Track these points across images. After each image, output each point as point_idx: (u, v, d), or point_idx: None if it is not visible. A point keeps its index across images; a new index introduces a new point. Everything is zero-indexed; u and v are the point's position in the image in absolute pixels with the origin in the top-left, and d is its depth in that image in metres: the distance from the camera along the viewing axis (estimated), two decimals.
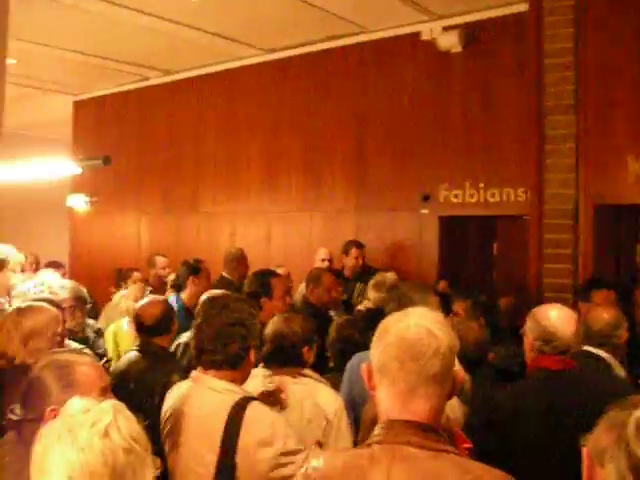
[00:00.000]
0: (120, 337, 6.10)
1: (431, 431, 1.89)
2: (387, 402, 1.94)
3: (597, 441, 1.72)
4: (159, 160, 10.48)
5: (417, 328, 1.92)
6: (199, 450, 2.91)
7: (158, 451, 2.89)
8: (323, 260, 7.91)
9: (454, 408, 2.56)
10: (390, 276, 6.28)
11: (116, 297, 7.00)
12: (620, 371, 4.05)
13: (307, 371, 3.68)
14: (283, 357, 3.63)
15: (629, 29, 6.26)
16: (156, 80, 10.51)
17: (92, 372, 2.48)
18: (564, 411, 3.20)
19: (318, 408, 3.46)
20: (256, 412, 2.86)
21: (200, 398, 2.99)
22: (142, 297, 6.33)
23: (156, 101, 10.58)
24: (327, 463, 2.00)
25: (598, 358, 4.06)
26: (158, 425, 3.26)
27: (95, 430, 1.68)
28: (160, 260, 8.05)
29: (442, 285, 6.87)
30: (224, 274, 7.35)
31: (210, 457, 2.85)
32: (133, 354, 4.43)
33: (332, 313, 6.45)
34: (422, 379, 1.88)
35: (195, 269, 6.44)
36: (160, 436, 3.11)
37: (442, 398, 1.93)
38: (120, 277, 7.99)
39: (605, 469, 1.55)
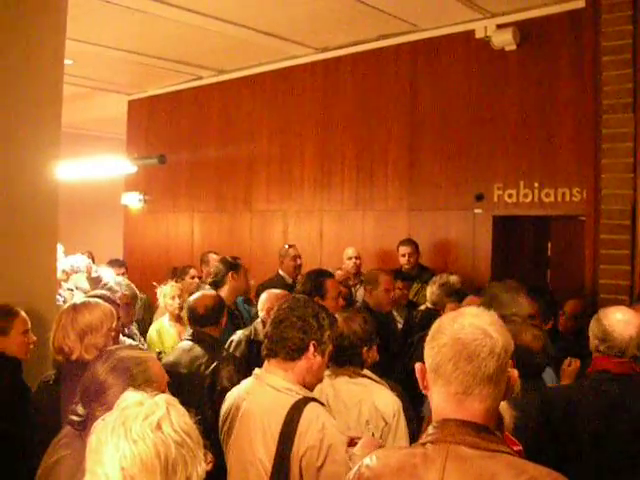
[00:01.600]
0: (163, 334, 6.21)
1: (485, 431, 1.87)
2: (441, 402, 1.92)
3: None
4: (212, 158, 10.58)
5: (472, 328, 1.89)
6: (255, 448, 2.94)
7: (209, 444, 2.96)
8: (350, 259, 7.87)
9: (502, 412, 2.52)
10: (453, 279, 6.24)
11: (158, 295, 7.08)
12: None
13: (366, 372, 3.69)
14: (342, 357, 3.63)
15: None
16: (209, 79, 10.59)
17: (159, 370, 2.54)
18: (622, 415, 3.14)
19: (376, 410, 3.47)
20: (310, 415, 2.88)
21: (260, 395, 3.03)
22: (180, 295, 6.48)
23: (209, 100, 10.66)
24: (380, 461, 1.99)
25: None
26: (209, 416, 3.33)
27: (148, 423, 1.71)
28: (213, 258, 8.12)
29: None
30: (280, 271, 7.43)
31: (266, 457, 2.89)
32: (186, 343, 4.64)
33: (395, 313, 6.51)
34: (477, 380, 1.86)
35: (234, 265, 6.46)
36: (215, 429, 3.19)
37: (497, 399, 1.91)
38: (175, 275, 8.07)
39: None
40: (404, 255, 7.47)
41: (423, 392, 2.02)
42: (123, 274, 8.03)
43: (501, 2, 7.23)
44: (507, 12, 7.39)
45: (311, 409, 2.90)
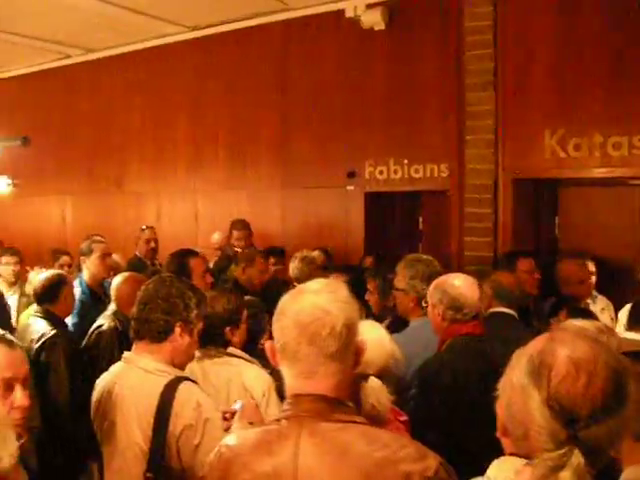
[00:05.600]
0: None
1: (337, 403, 1.91)
2: (291, 380, 1.95)
3: None
4: (83, 140, 10.28)
5: (311, 308, 1.90)
6: (131, 432, 2.92)
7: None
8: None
9: (379, 395, 2.55)
10: (314, 253, 6.31)
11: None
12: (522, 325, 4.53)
13: (235, 351, 3.69)
14: (206, 337, 3.59)
15: (548, 9, 6.39)
16: (79, 58, 10.26)
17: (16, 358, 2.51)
18: (496, 370, 3.30)
19: (245, 389, 3.47)
20: (184, 394, 2.88)
21: (131, 379, 3.00)
22: None
23: (79, 79, 10.34)
24: (239, 440, 2.01)
25: (510, 316, 4.50)
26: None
27: None
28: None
29: (368, 261, 6.92)
30: (137, 253, 7.31)
31: (142, 440, 2.88)
32: (32, 319, 5.05)
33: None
34: (320, 360, 1.88)
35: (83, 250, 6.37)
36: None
37: (345, 372, 1.94)
38: (52, 258, 7.70)
39: None
40: (238, 239, 7.55)
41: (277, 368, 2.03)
42: None
43: None
44: None
45: (185, 388, 2.90)
